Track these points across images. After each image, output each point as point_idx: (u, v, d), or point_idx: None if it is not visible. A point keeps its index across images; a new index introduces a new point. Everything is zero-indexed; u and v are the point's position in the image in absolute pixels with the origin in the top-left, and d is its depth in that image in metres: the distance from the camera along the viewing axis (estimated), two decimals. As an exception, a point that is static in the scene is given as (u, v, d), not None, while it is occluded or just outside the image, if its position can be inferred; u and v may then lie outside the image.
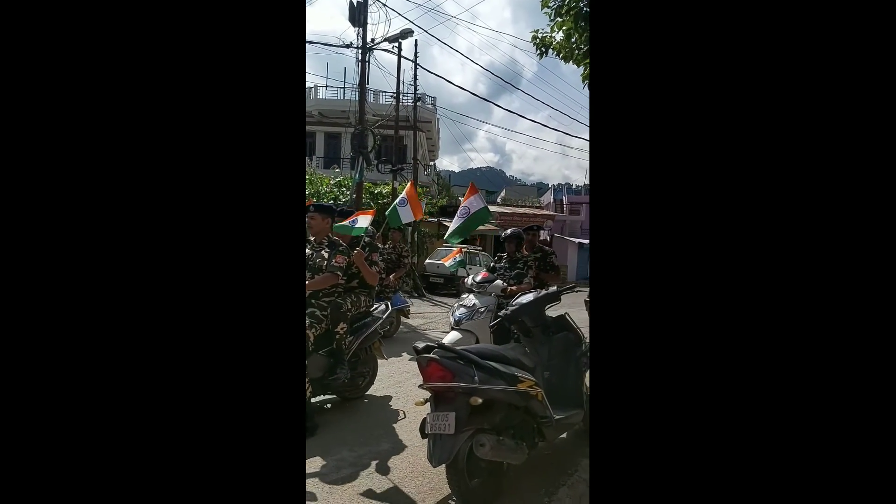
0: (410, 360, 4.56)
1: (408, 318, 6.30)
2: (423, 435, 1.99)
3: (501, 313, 2.61)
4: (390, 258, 5.79)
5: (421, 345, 2.05)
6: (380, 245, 5.58)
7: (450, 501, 2.06)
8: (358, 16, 9.73)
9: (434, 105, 22.70)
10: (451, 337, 3.73)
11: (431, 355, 1.98)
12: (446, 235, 6.94)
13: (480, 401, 1.91)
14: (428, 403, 2.05)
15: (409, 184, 5.92)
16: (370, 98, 13.60)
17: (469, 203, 6.06)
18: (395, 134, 14.24)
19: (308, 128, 21.92)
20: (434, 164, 27.65)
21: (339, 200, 11.99)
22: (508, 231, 4.24)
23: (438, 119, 24.15)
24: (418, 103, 15.83)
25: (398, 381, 3.92)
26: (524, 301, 2.54)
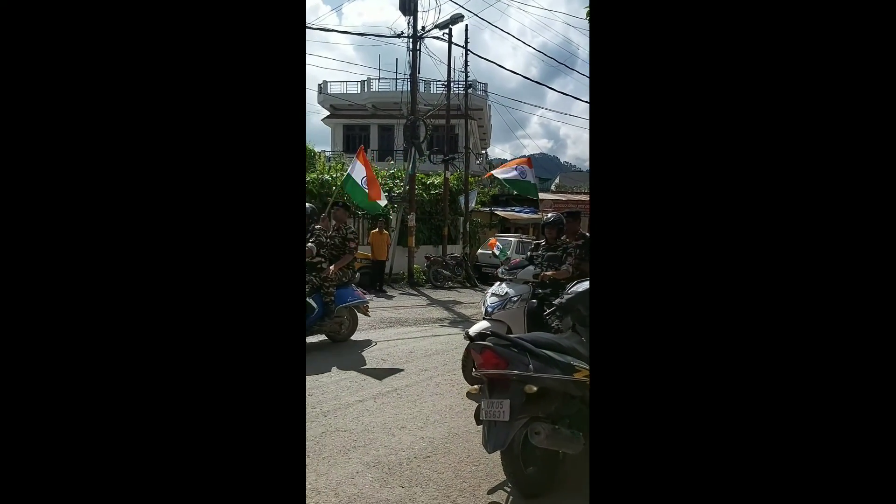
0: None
1: (368, 315, 5.06)
2: (478, 421, 2.01)
3: (556, 301, 2.56)
4: (332, 243, 4.53)
5: (474, 332, 2.06)
6: (318, 227, 4.58)
7: (505, 487, 2.07)
8: (408, 3, 9.78)
9: (485, 92, 22.43)
10: (478, 327, 3.40)
11: (486, 342, 1.99)
12: (499, 174, 7.06)
13: (535, 389, 1.89)
14: (481, 390, 2.07)
15: (359, 150, 5.39)
16: (421, 87, 13.67)
17: (524, 170, 6.08)
18: (447, 123, 14.25)
19: (362, 121, 22.45)
20: (486, 152, 27.44)
21: (394, 192, 12.23)
22: (549, 216, 4.01)
23: (490, 106, 23.86)
24: (469, 90, 15.72)
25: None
26: (580, 289, 2.47)
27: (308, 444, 2.45)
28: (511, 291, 3.62)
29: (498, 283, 3.82)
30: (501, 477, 2.09)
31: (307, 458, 2.28)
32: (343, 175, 12.55)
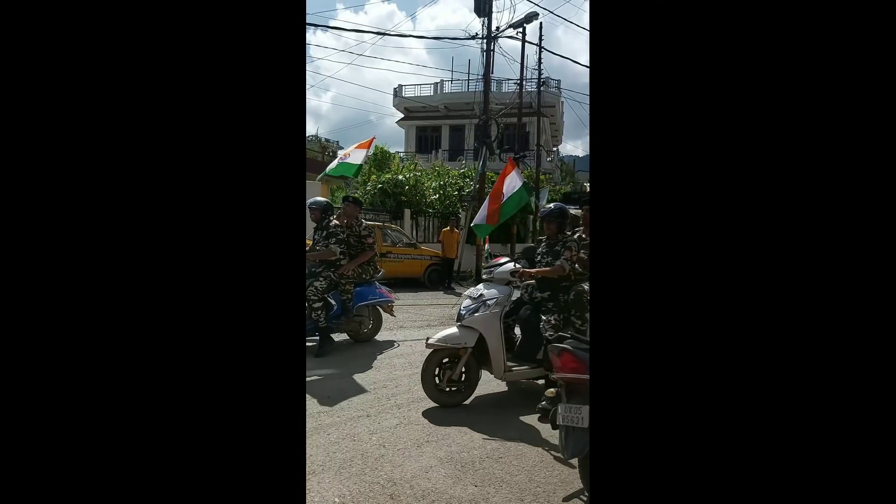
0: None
1: (392, 315, 4.86)
2: (554, 426, 1.96)
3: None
4: (347, 241, 4.28)
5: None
6: (334, 222, 4.29)
7: (581, 496, 2.00)
8: (483, 5, 9.78)
9: (558, 88, 21.89)
10: (443, 334, 2.96)
11: (564, 345, 1.93)
12: (472, 224, 5.86)
13: (617, 397, 1.81)
14: (557, 394, 2.01)
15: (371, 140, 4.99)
16: (493, 87, 13.62)
17: (506, 185, 4.88)
18: (518, 122, 14.06)
19: (434, 122, 22.85)
20: (557, 149, 26.77)
21: (464, 191, 12.31)
22: (550, 206, 3.27)
23: (563, 103, 23.26)
24: (542, 87, 15.39)
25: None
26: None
27: (383, 434, 2.54)
28: (487, 293, 3.02)
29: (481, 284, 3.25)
30: (577, 485, 2.02)
31: (382, 449, 2.36)
32: (416, 175, 12.88)
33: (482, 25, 10.24)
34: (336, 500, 1.91)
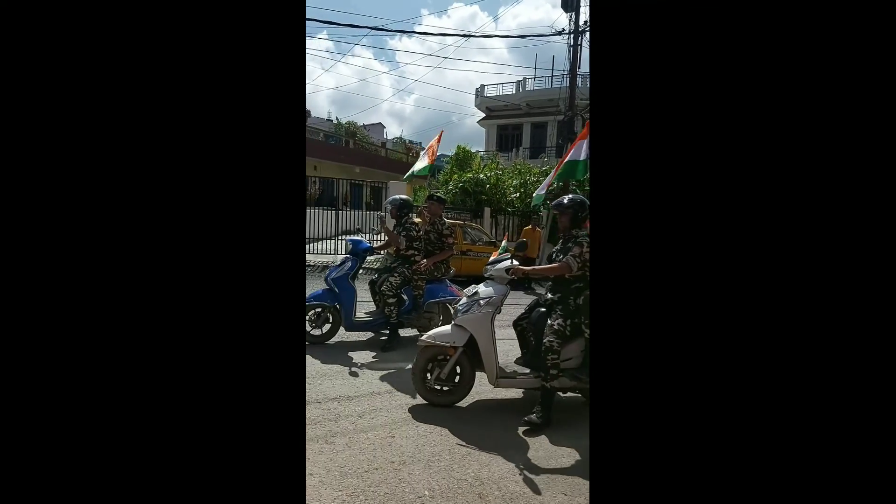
0: None
1: None
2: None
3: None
4: (428, 238, 4.36)
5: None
6: (416, 219, 4.25)
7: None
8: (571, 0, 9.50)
9: (650, 81, 20.62)
10: (434, 333, 2.87)
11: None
12: (535, 193, 5.57)
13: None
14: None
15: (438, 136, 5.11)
16: (579, 83, 13.15)
17: (573, 152, 4.37)
18: (606, 117, 13.43)
19: (515, 120, 22.62)
20: (647, 146, 25.21)
21: (549, 188, 12.05)
22: (564, 200, 2.91)
23: (655, 96, 21.86)
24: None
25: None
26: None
27: (470, 432, 2.56)
28: (482, 292, 2.83)
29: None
30: None
31: (469, 447, 2.38)
32: (497, 174, 12.84)
33: (569, 20, 9.95)
34: (426, 492, 1.96)
